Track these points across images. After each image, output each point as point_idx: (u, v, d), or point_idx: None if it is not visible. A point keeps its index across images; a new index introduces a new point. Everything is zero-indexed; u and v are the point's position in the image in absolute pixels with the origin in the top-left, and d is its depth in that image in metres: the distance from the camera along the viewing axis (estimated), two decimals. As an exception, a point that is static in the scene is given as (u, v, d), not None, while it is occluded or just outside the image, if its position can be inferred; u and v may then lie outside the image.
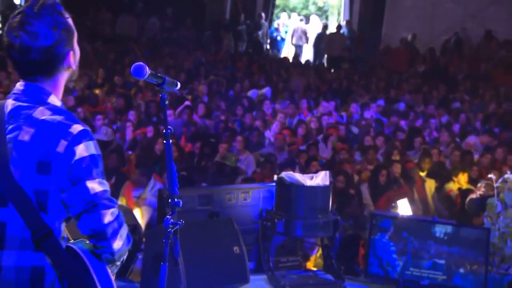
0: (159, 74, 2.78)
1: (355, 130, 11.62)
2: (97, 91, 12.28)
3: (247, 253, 4.81)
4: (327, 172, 5.11)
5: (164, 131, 2.82)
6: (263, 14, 19.69)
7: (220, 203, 5.48)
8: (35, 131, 2.26)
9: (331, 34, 18.91)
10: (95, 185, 2.29)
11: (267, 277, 4.91)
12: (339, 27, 19.04)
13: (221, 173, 8.42)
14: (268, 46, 20.04)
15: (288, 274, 5.08)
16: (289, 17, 21.81)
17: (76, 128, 2.29)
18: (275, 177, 5.38)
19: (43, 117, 2.28)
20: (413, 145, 10.57)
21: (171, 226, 2.75)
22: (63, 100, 2.45)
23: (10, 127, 2.28)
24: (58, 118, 2.29)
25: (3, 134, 2.26)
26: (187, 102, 11.64)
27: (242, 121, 11.33)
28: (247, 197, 5.62)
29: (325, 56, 18.63)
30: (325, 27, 19.38)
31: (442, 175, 9.17)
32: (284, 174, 5.07)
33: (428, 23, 18.80)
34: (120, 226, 2.33)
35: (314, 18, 21.72)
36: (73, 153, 2.27)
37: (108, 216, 2.30)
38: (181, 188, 2.93)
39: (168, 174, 2.81)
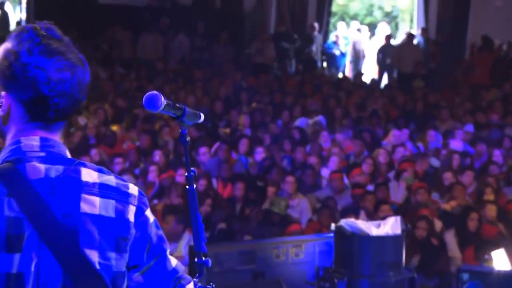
0: (177, 105, 2.79)
1: (435, 163, 11.51)
2: (114, 128, 12.48)
3: (300, 322, 4.79)
4: (398, 217, 5.10)
5: (186, 174, 2.84)
6: (316, 25, 19.80)
7: (265, 261, 5.50)
8: (101, 200, 2.20)
9: (402, 45, 18.83)
10: (171, 256, 2.34)
11: None
12: (411, 36, 18.99)
13: (267, 223, 8.42)
14: (324, 64, 20.09)
15: None
16: (348, 26, 21.86)
17: (134, 188, 2.28)
18: (333, 226, 5.37)
19: (98, 180, 2.22)
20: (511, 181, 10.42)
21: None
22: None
23: (58, 198, 2.16)
24: (111, 178, 2.25)
25: (50, 210, 2.13)
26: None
27: (292, 158, 11.35)
28: (299, 252, 5.63)
29: (394, 73, 18.57)
30: (388, 37, 19.35)
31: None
32: (344, 222, 5.07)
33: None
34: None
35: (381, 27, 21.69)
36: (146, 220, 2.28)
37: None
38: (219, 244, 2.95)
39: (193, 226, 2.82)
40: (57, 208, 2.15)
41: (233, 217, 8.63)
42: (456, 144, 12.24)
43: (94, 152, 10.51)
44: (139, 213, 2.26)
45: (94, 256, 2.15)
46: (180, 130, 2.87)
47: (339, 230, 5.06)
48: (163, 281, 2.31)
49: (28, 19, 19.82)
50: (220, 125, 12.84)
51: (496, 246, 7.42)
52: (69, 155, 2.26)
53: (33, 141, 2.21)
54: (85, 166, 2.23)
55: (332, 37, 20.71)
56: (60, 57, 2.21)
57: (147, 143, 11.52)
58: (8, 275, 2.09)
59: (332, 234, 5.31)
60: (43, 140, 2.22)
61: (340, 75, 19.40)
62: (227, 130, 12.84)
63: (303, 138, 12.29)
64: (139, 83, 15.59)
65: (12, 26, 20.83)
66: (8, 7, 21.84)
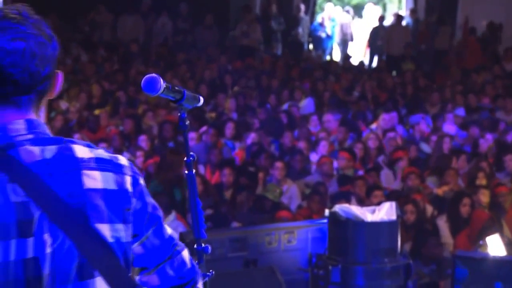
0: (176, 88, 2.81)
1: (425, 148, 11.56)
2: (97, 112, 12.46)
3: (295, 310, 4.81)
4: (393, 203, 5.11)
5: (185, 159, 2.84)
6: (302, 6, 19.77)
7: (257, 248, 5.52)
8: (101, 173, 2.22)
9: (391, 27, 18.84)
10: (165, 224, 2.38)
11: None
12: (400, 17, 19.02)
13: (258, 209, 8.44)
14: (311, 46, 20.09)
15: (349, 336, 5.07)
16: (336, 7, 21.84)
17: (122, 158, 2.32)
18: (327, 211, 5.39)
19: (92, 155, 2.23)
20: (504, 165, 10.47)
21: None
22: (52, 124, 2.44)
23: (59, 177, 2.17)
24: (100, 151, 2.27)
25: (53, 189, 2.15)
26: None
27: (280, 143, 11.37)
28: (291, 239, 5.64)
29: (382, 55, 18.61)
30: (381, 18, 19.38)
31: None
32: (338, 207, 5.08)
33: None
34: (197, 266, 2.45)
35: (369, 8, 21.72)
36: (141, 189, 2.30)
37: (188, 257, 2.41)
38: (208, 230, 2.96)
39: (192, 212, 2.83)
40: (60, 188, 2.16)
41: (221, 204, 8.64)
42: (449, 127, 12.31)
43: (76, 137, 10.49)
44: (135, 182, 2.28)
45: (105, 230, 2.18)
46: (179, 114, 2.89)
47: (333, 216, 5.07)
48: (161, 249, 2.34)
49: (5, 2, 19.70)
50: (206, 110, 12.83)
51: (488, 231, 7.48)
52: (52, 135, 2.25)
53: (18, 125, 2.20)
54: (74, 143, 2.23)
55: (318, 19, 20.67)
56: (13, 30, 2.19)
57: (131, 127, 11.52)
58: (25, 261, 2.11)
59: (325, 220, 5.33)
60: (28, 122, 2.21)
61: (327, 58, 19.41)
62: (213, 115, 12.84)
63: (291, 123, 12.32)
64: (120, 66, 15.56)
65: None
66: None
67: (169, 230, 2.37)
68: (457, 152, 10.73)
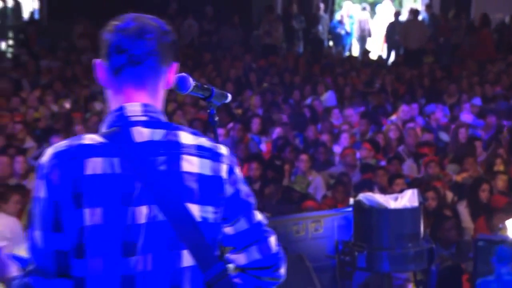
0: (205, 86, 2.84)
1: (444, 137, 11.50)
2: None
3: (323, 295, 4.81)
4: (415, 190, 5.09)
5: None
6: (321, 5, 19.74)
7: (286, 237, 5.52)
8: (199, 159, 2.37)
9: (407, 22, 18.74)
10: (256, 211, 2.47)
11: (350, 323, 4.89)
12: (416, 13, 18.91)
13: (287, 200, 8.44)
14: (331, 43, 20.06)
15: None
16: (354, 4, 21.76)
17: (223, 148, 2.45)
18: (351, 200, 5.38)
19: (194, 142, 2.39)
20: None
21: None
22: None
23: (162, 158, 2.33)
24: (203, 140, 2.41)
25: (156, 169, 2.32)
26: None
27: (305, 136, 11.36)
28: (318, 227, 5.64)
29: (400, 50, 18.52)
30: (397, 14, 19.30)
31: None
32: (362, 196, 5.07)
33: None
34: (282, 252, 2.51)
35: (385, 5, 21.61)
36: (236, 177, 2.43)
37: (275, 243, 2.47)
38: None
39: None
40: (160, 167, 2.32)
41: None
42: (466, 116, 12.26)
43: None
44: (231, 170, 2.41)
45: (195, 210, 2.33)
46: (208, 111, 2.92)
47: (358, 204, 5.06)
48: (249, 233, 2.43)
49: (41, 8, 19.84)
50: (232, 106, 12.84)
51: (507, 215, 7.43)
52: (165, 120, 2.42)
53: (135, 107, 2.38)
54: (182, 129, 2.41)
55: (337, 17, 20.67)
56: None
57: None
58: (126, 227, 2.30)
59: (350, 209, 5.32)
60: (144, 105, 2.39)
61: (347, 54, 19.36)
62: (239, 111, 12.85)
63: (314, 116, 12.31)
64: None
65: (25, 15, 20.86)
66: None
67: (259, 216, 2.46)
68: (474, 140, 10.66)
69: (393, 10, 20.42)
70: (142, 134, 2.35)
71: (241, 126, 11.05)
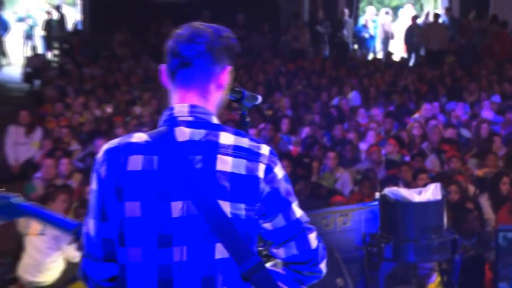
0: (237, 89, 2.83)
1: (465, 133, 11.40)
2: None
3: (352, 285, 4.78)
4: (438, 184, 5.04)
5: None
6: (346, 11, 19.66)
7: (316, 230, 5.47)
8: (233, 159, 2.35)
9: (428, 24, 18.65)
10: (297, 208, 2.43)
11: (378, 311, 4.86)
12: (436, 16, 18.79)
13: (315, 196, 8.41)
14: (355, 46, 19.98)
15: (403, 306, 5.02)
16: (377, 10, 21.69)
17: (266, 148, 2.41)
18: (377, 195, 5.34)
19: (233, 143, 2.37)
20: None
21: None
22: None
23: (198, 157, 2.35)
24: (245, 140, 2.39)
25: (193, 167, 2.33)
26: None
27: (332, 135, 11.32)
28: (346, 221, 5.61)
29: (421, 51, 18.39)
30: (415, 18, 19.18)
31: None
32: (387, 190, 5.03)
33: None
34: (323, 247, 2.50)
35: (406, 9, 21.50)
36: (274, 176, 2.38)
37: (315, 240, 2.45)
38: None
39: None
40: (196, 165, 2.34)
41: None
42: (487, 113, 12.14)
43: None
44: (268, 170, 2.37)
45: (226, 206, 2.32)
46: (240, 112, 2.91)
47: (384, 198, 5.02)
48: (287, 229, 2.40)
49: (84, 20, 19.99)
50: (263, 108, 12.83)
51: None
52: (214, 121, 2.42)
53: (183, 108, 2.41)
54: (225, 130, 2.40)
55: (361, 21, 20.59)
56: None
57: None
58: (161, 221, 2.34)
59: (376, 203, 5.28)
60: (192, 106, 2.41)
61: (371, 56, 19.28)
62: (270, 112, 12.84)
63: (341, 116, 12.26)
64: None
65: (69, 26, 21.04)
66: (65, 9, 22.06)
67: (298, 214, 2.42)
68: (494, 135, 10.56)
69: (412, 14, 20.31)
70: (184, 133, 2.38)
71: (271, 126, 11.05)
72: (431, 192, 5.01)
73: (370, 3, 23.45)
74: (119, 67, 15.93)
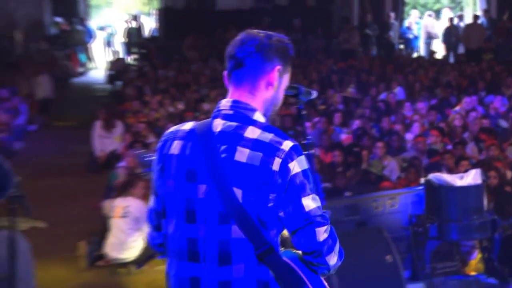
0: (293, 85, 2.80)
1: (503, 123, 11.14)
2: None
3: (400, 261, 4.72)
4: (478, 170, 4.94)
5: (304, 142, 2.81)
6: (392, 14, 19.41)
7: (367, 212, 5.45)
8: (250, 151, 2.33)
9: (468, 25, 18.30)
10: (309, 202, 2.35)
11: (424, 284, 4.79)
12: (475, 17, 18.41)
13: (365, 181, 8.34)
14: (401, 46, 19.72)
15: (447, 281, 4.94)
16: (421, 13, 21.37)
17: (287, 144, 2.35)
18: (422, 180, 5.26)
19: (255, 136, 2.35)
20: None
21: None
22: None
23: (223, 147, 2.35)
24: (269, 136, 2.35)
25: (217, 155, 2.35)
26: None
27: (380, 126, 11.19)
28: (394, 204, 5.54)
29: (459, 49, 18.05)
30: (451, 20, 18.83)
31: None
32: (432, 176, 4.95)
33: None
34: (334, 242, 2.39)
35: (445, 12, 21.15)
36: (288, 170, 2.32)
37: (323, 234, 2.35)
38: (327, 199, 2.91)
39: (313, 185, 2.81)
40: (221, 154, 2.35)
41: (335, 178, 8.58)
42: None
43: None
44: (283, 164, 2.32)
45: (238, 193, 2.32)
46: (296, 107, 2.88)
47: (428, 183, 4.95)
48: (294, 220, 2.34)
49: (158, 28, 20.20)
50: (318, 103, 12.77)
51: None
52: (254, 116, 2.41)
53: (226, 102, 2.43)
54: (254, 125, 2.39)
55: (406, 23, 20.33)
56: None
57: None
58: (187, 199, 2.39)
59: (421, 187, 5.21)
60: (234, 101, 2.42)
61: (415, 55, 19.00)
62: (323, 107, 12.77)
63: (388, 109, 12.12)
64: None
65: (146, 33, 21.29)
66: (142, 18, 22.35)
67: (308, 207, 2.34)
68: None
69: (450, 16, 19.99)
70: (218, 125, 2.39)
71: (325, 119, 10.99)
72: (472, 177, 4.92)
73: (414, 7, 23.08)
74: (189, 69, 16.04)
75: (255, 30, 2.52)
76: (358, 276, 4.58)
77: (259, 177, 2.31)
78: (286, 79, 2.54)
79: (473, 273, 5.48)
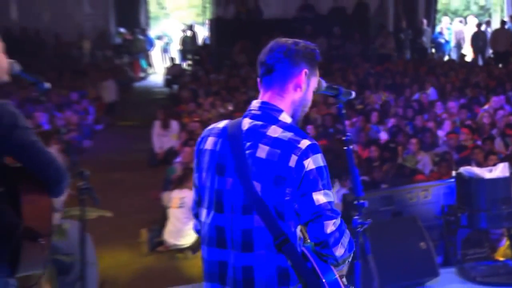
0: (334, 86, 2.79)
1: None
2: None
3: (433, 248, 4.66)
4: (506, 163, 4.84)
5: (344, 138, 2.80)
6: (425, 21, 19.14)
7: (402, 203, 5.38)
8: (270, 149, 2.35)
9: (496, 30, 17.96)
10: (320, 197, 2.35)
11: (456, 269, 4.72)
12: (503, 22, 18.03)
13: (400, 175, 8.25)
14: (433, 50, 19.44)
15: (477, 266, 4.85)
16: (451, 20, 21.02)
17: (304, 143, 2.36)
18: (453, 173, 5.18)
19: (276, 135, 2.37)
20: None
21: (359, 225, 2.72)
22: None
23: (248, 144, 2.38)
24: (288, 135, 2.37)
25: (243, 151, 2.37)
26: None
27: (414, 124, 11.05)
28: (427, 195, 5.47)
29: (486, 53, 17.69)
30: (479, 25, 18.50)
31: None
32: (462, 169, 4.88)
33: None
34: (341, 235, 2.38)
35: (471, 19, 20.78)
36: (303, 167, 2.33)
37: (331, 227, 2.35)
38: (364, 191, 2.89)
39: (351, 177, 2.79)
40: (246, 151, 2.37)
41: (372, 172, 8.51)
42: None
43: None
44: (299, 161, 2.32)
45: (257, 186, 2.34)
46: (336, 106, 2.87)
47: (459, 176, 4.87)
48: (306, 212, 2.35)
49: (211, 36, 20.31)
50: (356, 103, 12.67)
51: None
52: (280, 116, 2.42)
53: (256, 103, 2.46)
54: (277, 124, 2.40)
55: (438, 29, 20.03)
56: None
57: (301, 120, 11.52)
58: (216, 190, 2.43)
59: (453, 180, 5.12)
60: (263, 103, 2.44)
61: (446, 58, 18.70)
62: (361, 106, 12.66)
63: (421, 108, 11.97)
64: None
65: (199, 41, 21.43)
66: (196, 28, 22.52)
67: (318, 202, 2.34)
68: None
69: (476, 22, 19.66)
70: (247, 123, 2.42)
71: (363, 118, 10.91)
72: (500, 170, 4.83)
73: (445, 14, 22.72)
74: (238, 73, 16.09)
75: (283, 38, 2.53)
76: (394, 262, 4.54)
77: (276, 172, 2.32)
78: (314, 82, 2.54)
79: (501, 259, 5.38)
